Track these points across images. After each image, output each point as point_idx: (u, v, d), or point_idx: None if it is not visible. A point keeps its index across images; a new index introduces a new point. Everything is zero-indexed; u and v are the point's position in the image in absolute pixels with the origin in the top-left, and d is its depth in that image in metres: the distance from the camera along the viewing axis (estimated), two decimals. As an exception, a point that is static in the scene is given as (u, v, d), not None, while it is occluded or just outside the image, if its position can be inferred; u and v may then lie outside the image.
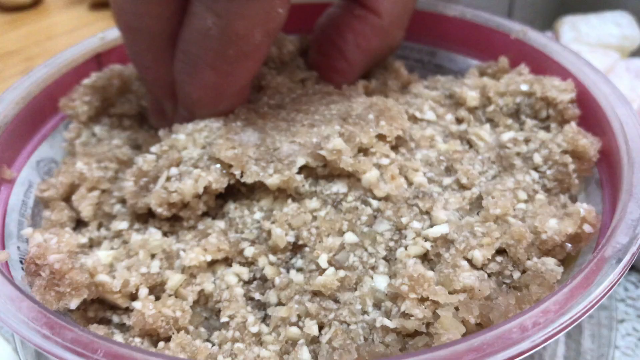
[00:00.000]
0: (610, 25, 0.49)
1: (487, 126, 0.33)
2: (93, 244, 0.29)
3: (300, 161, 0.28)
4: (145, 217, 0.29)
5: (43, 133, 0.33)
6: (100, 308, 0.26)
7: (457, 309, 0.24)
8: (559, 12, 0.51)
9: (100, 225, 0.30)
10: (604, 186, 0.29)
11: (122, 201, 0.30)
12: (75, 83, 0.35)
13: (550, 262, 0.26)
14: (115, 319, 0.26)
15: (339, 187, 0.29)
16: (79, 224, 0.30)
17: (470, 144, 0.32)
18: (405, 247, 0.26)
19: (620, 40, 0.48)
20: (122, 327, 0.26)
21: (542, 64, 0.34)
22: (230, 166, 0.28)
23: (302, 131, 0.30)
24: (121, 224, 0.29)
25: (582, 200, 0.30)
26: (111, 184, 0.31)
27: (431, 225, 0.27)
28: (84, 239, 0.29)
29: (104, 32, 0.37)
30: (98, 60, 0.36)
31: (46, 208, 0.30)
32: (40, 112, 0.33)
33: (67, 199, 0.31)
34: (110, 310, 0.26)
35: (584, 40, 0.47)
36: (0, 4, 0.54)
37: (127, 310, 0.26)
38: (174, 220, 0.29)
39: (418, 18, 0.39)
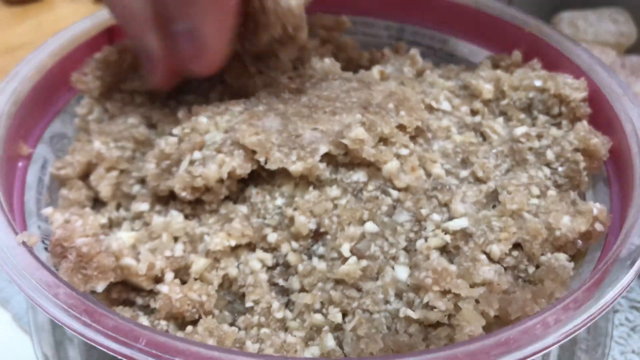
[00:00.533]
0: (607, 22, 0.49)
1: (501, 119, 0.33)
2: (112, 224, 0.29)
3: (323, 149, 0.29)
4: (166, 199, 0.29)
5: (56, 108, 0.33)
6: (123, 290, 0.26)
7: (477, 301, 0.25)
8: (557, 8, 0.52)
9: (119, 206, 0.30)
10: (612, 184, 0.31)
11: (141, 182, 0.30)
12: (87, 57, 0.34)
13: (562, 257, 0.27)
14: (139, 300, 0.26)
15: (359, 175, 0.29)
16: (96, 203, 0.30)
17: (484, 137, 0.33)
18: (425, 239, 0.27)
19: (617, 37, 0.49)
20: (146, 309, 0.26)
21: (555, 60, 0.35)
22: (254, 152, 0.28)
23: (324, 118, 0.30)
24: (142, 206, 0.29)
25: (589, 197, 0.31)
26: (129, 164, 0.30)
27: (450, 218, 0.28)
28: (103, 219, 0.28)
29: (116, 4, 0.36)
30: (109, 34, 0.36)
31: (62, 186, 0.30)
32: (52, 86, 0.32)
33: (83, 177, 0.30)
34: (134, 292, 0.27)
35: (582, 36, 0.48)
36: None
37: (151, 292, 0.26)
38: (195, 203, 0.29)
39: (432, 5, 0.40)
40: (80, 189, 0.29)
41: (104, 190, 0.29)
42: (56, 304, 0.21)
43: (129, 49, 0.35)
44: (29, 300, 0.26)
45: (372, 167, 0.29)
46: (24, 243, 0.23)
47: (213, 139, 0.29)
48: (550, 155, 0.31)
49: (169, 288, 0.25)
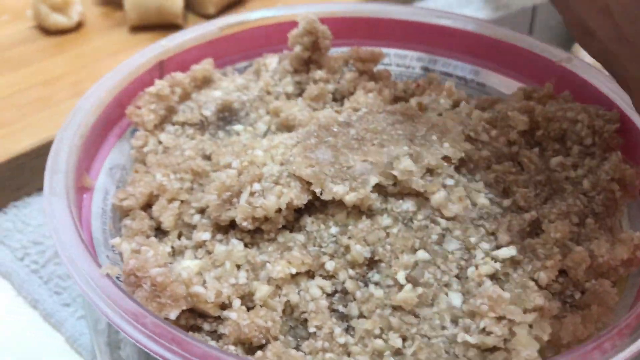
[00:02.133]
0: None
1: (537, 149, 0.35)
2: (175, 253, 0.30)
3: (373, 180, 0.30)
4: (225, 228, 0.30)
5: (113, 140, 0.34)
6: (190, 316, 0.28)
7: (530, 326, 0.26)
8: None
9: (180, 235, 0.31)
10: (646, 212, 0.32)
11: (201, 212, 0.31)
12: (140, 90, 0.36)
13: (606, 284, 0.28)
14: (206, 326, 0.28)
15: (409, 205, 0.31)
16: (157, 232, 0.32)
17: (522, 166, 0.35)
18: (476, 267, 0.29)
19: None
20: (214, 335, 0.28)
21: (585, 91, 0.37)
22: (310, 183, 0.30)
23: (373, 150, 0.32)
24: (204, 235, 0.30)
25: (625, 225, 0.33)
26: (189, 195, 0.32)
27: (497, 246, 0.29)
28: (167, 248, 0.30)
29: (166, 39, 0.38)
30: (160, 67, 0.37)
31: (125, 216, 0.31)
32: (109, 119, 0.34)
33: (144, 208, 0.32)
34: (200, 318, 0.28)
35: (599, 66, 0.50)
36: (45, 29, 0.54)
37: (218, 318, 0.28)
38: (254, 232, 0.30)
39: (462, 37, 0.41)
40: (143, 219, 0.31)
41: (167, 220, 0.31)
42: (145, 333, 0.22)
43: (180, 83, 0.36)
44: (105, 327, 0.27)
45: (421, 197, 0.31)
46: (107, 275, 0.25)
47: (270, 171, 0.31)
48: (586, 184, 0.32)
49: (237, 315, 0.27)
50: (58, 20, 0.54)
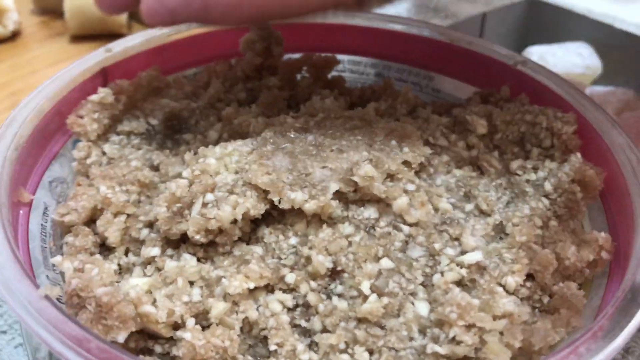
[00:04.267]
0: (574, 56, 0.52)
1: (496, 153, 0.35)
2: (122, 271, 0.28)
3: (334, 187, 0.29)
4: (176, 242, 0.28)
5: (53, 152, 0.32)
6: (140, 338, 0.26)
7: (501, 333, 0.25)
8: (526, 43, 0.54)
9: (127, 251, 0.29)
10: (607, 212, 0.32)
11: (149, 226, 0.29)
12: (82, 99, 0.33)
13: (573, 286, 0.28)
14: (158, 349, 0.26)
15: (370, 212, 0.29)
16: (102, 249, 0.29)
17: (482, 170, 0.34)
18: (442, 274, 0.28)
19: (584, 70, 0.52)
20: (166, 357, 0.25)
21: (542, 94, 0.36)
22: (267, 192, 0.28)
23: (332, 156, 0.30)
24: (153, 250, 0.28)
25: (587, 226, 0.32)
26: (136, 208, 0.30)
27: (462, 252, 0.29)
28: (113, 266, 0.28)
29: (110, 44, 0.36)
30: (104, 74, 0.35)
31: (67, 233, 0.29)
32: (49, 130, 0.32)
33: (87, 223, 0.29)
34: (151, 340, 0.26)
35: (552, 70, 0.51)
36: None
37: (171, 339, 0.26)
38: (207, 246, 0.28)
39: (416, 43, 0.41)
40: (87, 235, 0.28)
41: (112, 235, 0.28)
42: (91, 359, 0.20)
43: (124, 90, 0.34)
44: (46, 354, 0.25)
45: (382, 203, 0.30)
46: (46, 296, 0.22)
47: (224, 180, 0.29)
48: (548, 186, 0.32)
49: (192, 335, 0.25)
50: (-9, 29, 0.51)
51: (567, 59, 0.52)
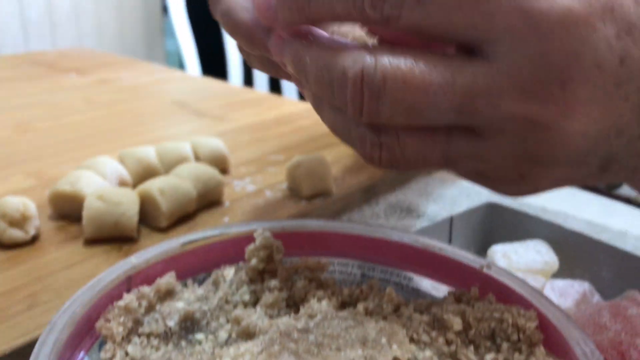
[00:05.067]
0: (533, 253, 0.60)
1: (472, 347, 0.39)
2: None
3: (333, 383, 0.33)
4: None
5: (80, 355, 0.36)
6: None
7: None
8: (489, 242, 0.62)
9: None
10: (572, 401, 0.36)
11: (170, 423, 0.32)
12: (109, 304, 0.38)
13: None
14: None
15: (366, 406, 0.33)
16: None
17: (461, 364, 0.39)
18: None
19: (543, 265, 0.58)
20: None
21: (506, 294, 0.42)
22: (276, 389, 0.32)
23: (332, 355, 0.35)
24: None
25: (557, 413, 0.36)
26: (158, 407, 0.33)
27: None
28: None
29: (134, 256, 0.41)
30: (128, 282, 0.40)
31: None
32: (80, 334, 0.36)
33: (113, 421, 0.33)
34: None
35: (515, 266, 0.58)
36: (0, 243, 0.57)
37: None
38: None
39: (395, 248, 0.47)
40: None
41: None
42: None
43: (146, 296, 0.39)
44: None
45: (376, 397, 0.34)
46: None
47: (239, 379, 0.33)
48: (519, 377, 0.37)
49: None
50: (14, 234, 0.57)
51: (527, 256, 0.59)
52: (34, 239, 0.59)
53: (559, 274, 0.61)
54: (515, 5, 0.27)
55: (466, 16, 0.27)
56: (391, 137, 0.33)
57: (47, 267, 0.54)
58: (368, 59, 0.30)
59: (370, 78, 0.30)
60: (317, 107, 0.36)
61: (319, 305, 0.40)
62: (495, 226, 0.65)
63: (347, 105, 0.31)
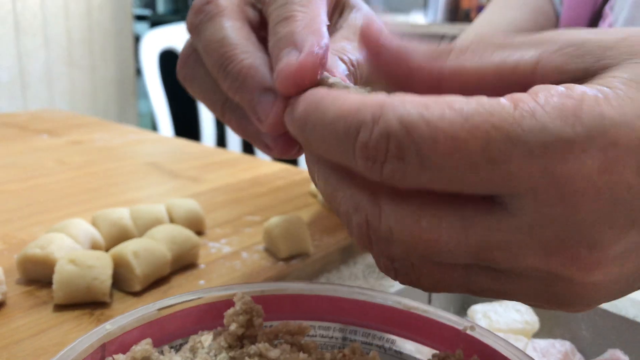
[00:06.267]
0: (513, 312, 0.59)
1: (459, 412, 0.38)
2: None
3: None
4: None
5: None
6: None
7: None
8: (469, 302, 0.62)
9: None
10: None
11: None
12: (82, 374, 0.36)
13: None
14: None
15: None
16: None
17: None
18: None
19: (524, 325, 0.58)
20: None
21: (491, 357, 0.42)
22: None
23: None
24: None
25: None
26: None
27: None
28: None
29: (109, 322, 0.40)
30: (102, 350, 0.39)
31: None
32: (50, 407, 0.34)
33: None
34: None
35: (495, 326, 0.57)
36: None
37: None
38: None
39: (381, 311, 0.47)
40: None
41: None
42: None
43: (121, 364, 0.38)
44: None
45: None
46: None
47: None
48: None
49: None
50: (-21, 302, 0.55)
51: (507, 316, 0.59)
52: (0, 305, 0.56)
53: (540, 333, 0.61)
54: (539, 167, 0.24)
55: (482, 178, 0.25)
56: (406, 266, 0.32)
57: (14, 335, 0.52)
58: (370, 209, 0.29)
59: (375, 228, 0.29)
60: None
61: (305, 372, 0.39)
62: (475, 286, 0.65)
63: (356, 240, 0.31)
